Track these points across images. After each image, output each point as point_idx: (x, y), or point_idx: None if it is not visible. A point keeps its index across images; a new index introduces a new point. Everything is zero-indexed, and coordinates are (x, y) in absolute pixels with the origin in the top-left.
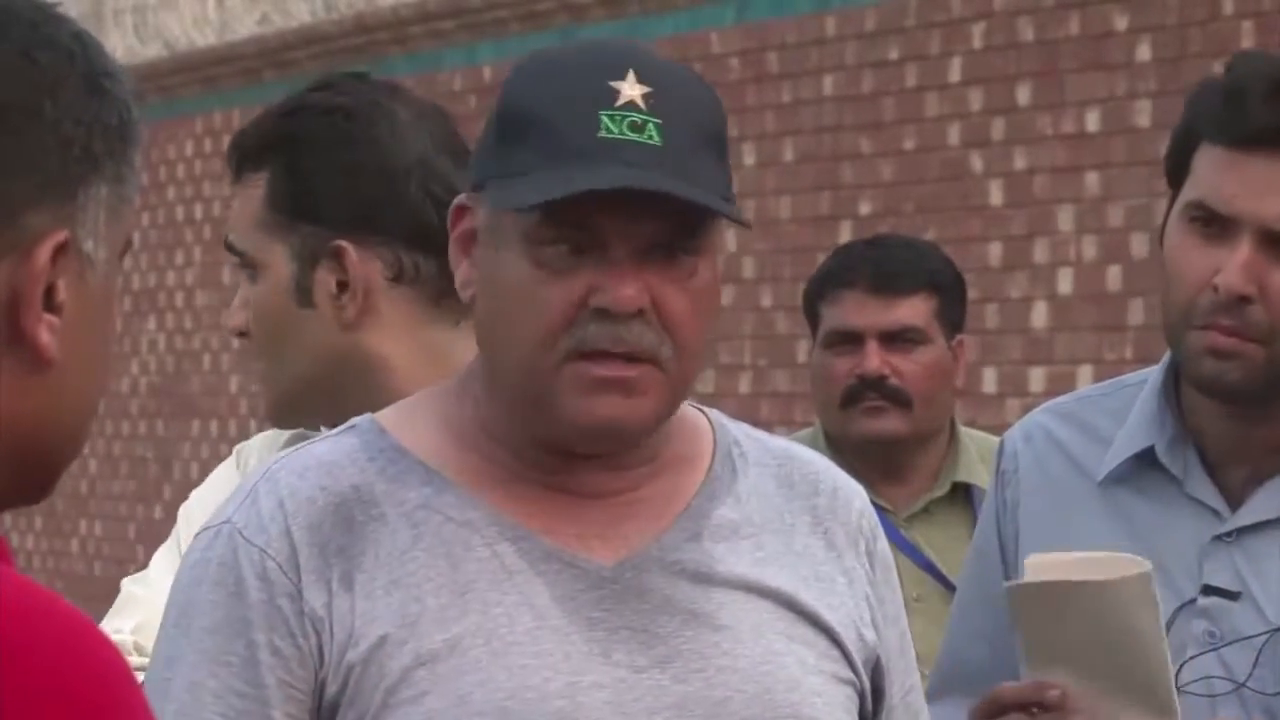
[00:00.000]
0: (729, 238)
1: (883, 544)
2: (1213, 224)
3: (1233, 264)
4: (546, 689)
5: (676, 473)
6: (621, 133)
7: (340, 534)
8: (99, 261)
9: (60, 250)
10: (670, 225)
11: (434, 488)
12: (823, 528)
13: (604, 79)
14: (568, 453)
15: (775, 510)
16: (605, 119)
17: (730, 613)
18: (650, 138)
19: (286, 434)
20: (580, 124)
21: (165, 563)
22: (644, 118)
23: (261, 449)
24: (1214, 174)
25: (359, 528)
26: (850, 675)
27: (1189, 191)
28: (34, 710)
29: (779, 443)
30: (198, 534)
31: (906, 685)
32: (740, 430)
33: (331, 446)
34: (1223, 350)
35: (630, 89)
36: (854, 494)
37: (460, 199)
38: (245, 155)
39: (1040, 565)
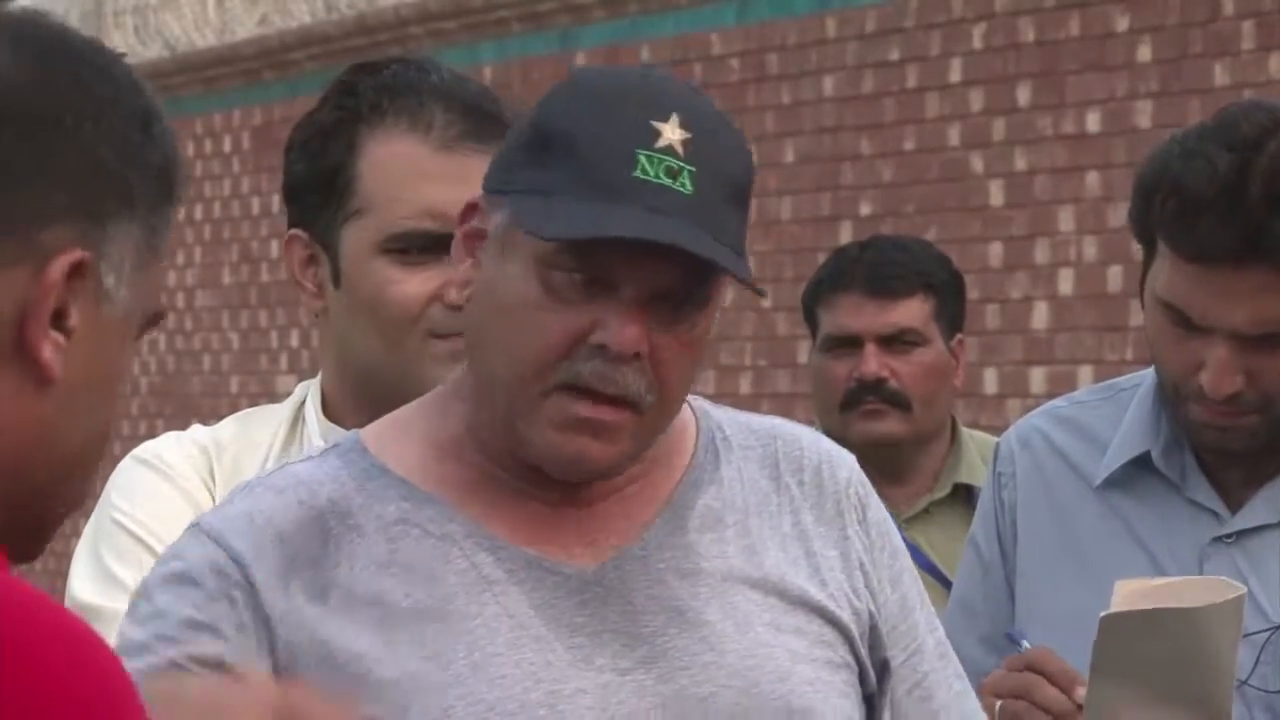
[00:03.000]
0: None
1: (875, 509)
2: (1187, 321)
3: (1212, 368)
4: (528, 699)
5: (659, 467)
6: (656, 176)
7: (314, 545)
8: (119, 300)
9: (76, 271)
10: (682, 275)
11: (413, 502)
12: (810, 502)
13: (647, 116)
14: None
15: (761, 493)
16: (643, 159)
17: (716, 607)
18: (683, 186)
19: (192, 433)
20: (616, 160)
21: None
22: (680, 164)
23: (212, 446)
24: (1178, 281)
25: (334, 540)
26: (847, 658)
27: (1158, 283)
28: (35, 712)
29: (764, 422)
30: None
31: (910, 648)
32: (723, 415)
33: (313, 466)
34: (1222, 425)
35: (671, 132)
36: (840, 463)
37: (474, 197)
38: (494, 125)
39: (1130, 592)
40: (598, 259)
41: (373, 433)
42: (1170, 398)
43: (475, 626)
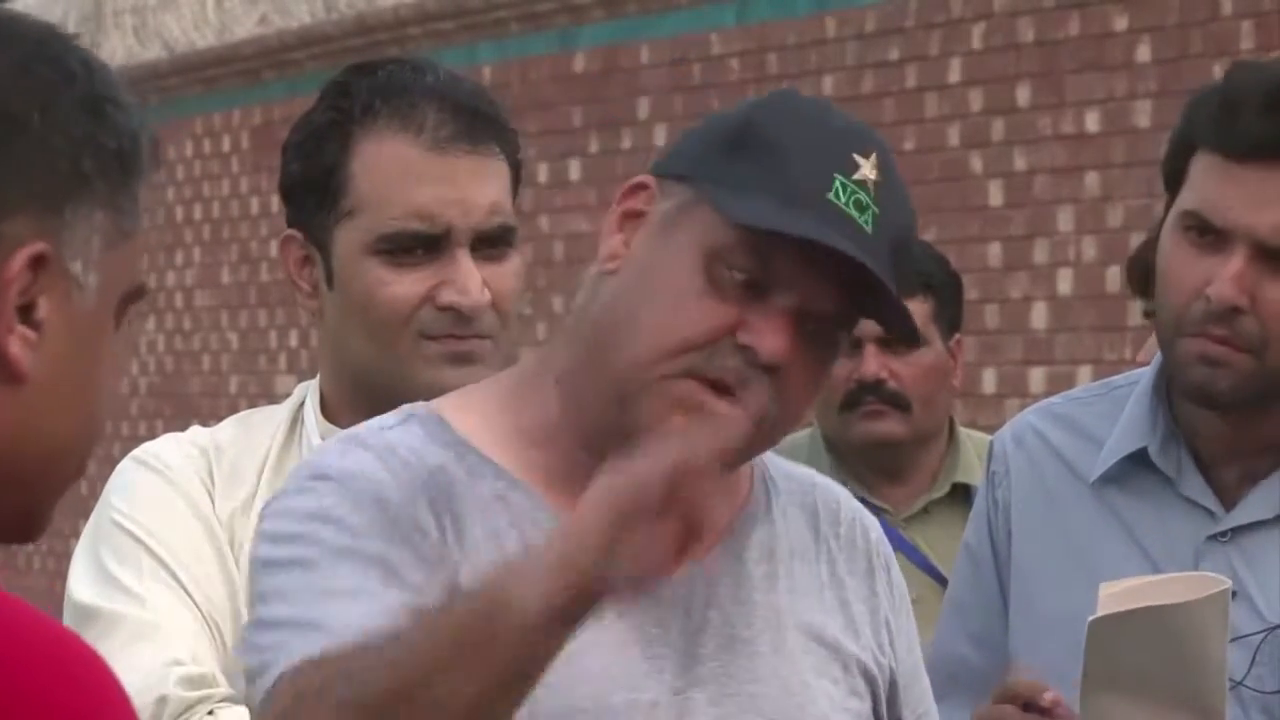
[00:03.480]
0: None
1: (896, 572)
2: (1207, 234)
3: (1225, 275)
4: (609, 702)
5: (722, 489)
6: (846, 205)
7: (442, 498)
8: (89, 286)
9: (39, 263)
10: (836, 299)
11: (505, 482)
12: (845, 554)
13: (849, 149)
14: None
15: (803, 538)
16: (838, 184)
17: (767, 640)
18: (866, 223)
19: (192, 434)
20: (815, 178)
21: (129, 576)
22: (869, 201)
23: (211, 444)
24: (1209, 184)
25: (438, 510)
26: (869, 713)
27: (1184, 199)
28: None
29: (802, 470)
30: (274, 499)
31: (919, 711)
32: (767, 456)
33: (403, 434)
34: (1213, 358)
35: (868, 170)
36: (871, 524)
37: (645, 177)
38: (488, 126)
39: (1115, 593)
40: (769, 261)
41: (449, 408)
42: (1167, 340)
43: None
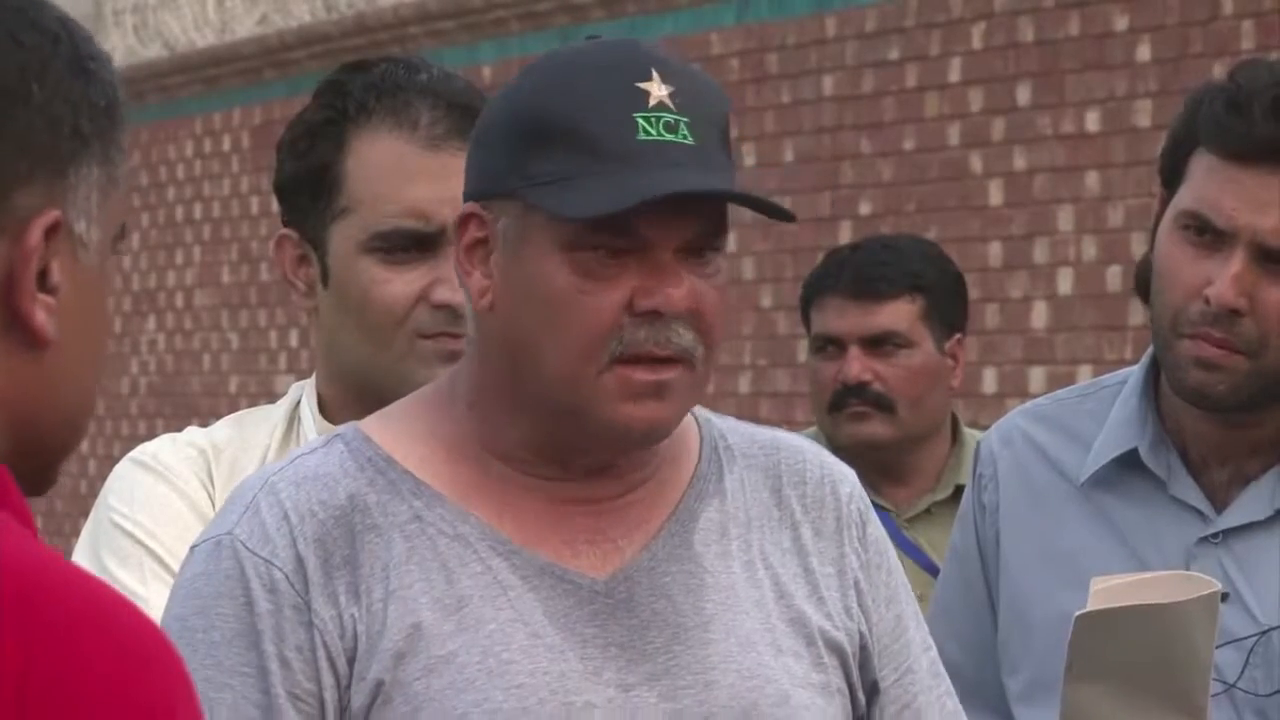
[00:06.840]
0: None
1: (874, 526)
2: (1206, 234)
3: (1225, 276)
4: (542, 710)
5: (664, 472)
6: (659, 134)
7: (345, 545)
8: (92, 242)
9: (52, 230)
10: (704, 225)
11: (424, 500)
12: (811, 517)
13: (630, 80)
14: (572, 460)
15: (762, 506)
16: (641, 121)
17: (720, 624)
18: (684, 137)
19: (188, 434)
20: (618, 128)
21: (127, 576)
22: (675, 117)
23: (214, 446)
24: (1211, 184)
25: (358, 538)
26: (840, 683)
27: (1183, 198)
28: (71, 686)
29: (766, 433)
30: (194, 546)
31: (902, 668)
32: (726, 424)
33: (323, 458)
34: (1210, 361)
35: (657, 89)
36: (842, 478)
37: (469, 207)
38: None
39: (1105, 589)
40: (625, 229)
41: (374, 425)
42: (1163, 342)
43: (491, 630)
